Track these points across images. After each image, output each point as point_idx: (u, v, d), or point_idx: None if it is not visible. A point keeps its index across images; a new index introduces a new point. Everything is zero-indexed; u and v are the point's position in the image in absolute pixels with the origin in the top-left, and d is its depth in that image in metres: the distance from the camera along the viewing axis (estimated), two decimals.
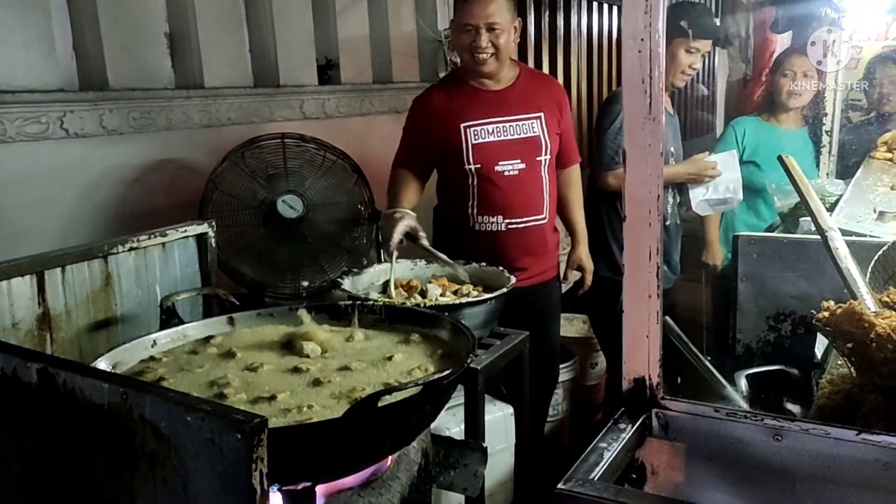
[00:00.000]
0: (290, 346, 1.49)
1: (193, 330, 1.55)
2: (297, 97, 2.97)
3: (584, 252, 2.65)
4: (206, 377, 1.35)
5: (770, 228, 2.76)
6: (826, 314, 1.34)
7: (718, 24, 5.28)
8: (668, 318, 1.54)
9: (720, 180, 2.80)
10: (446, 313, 1.61)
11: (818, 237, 1.53)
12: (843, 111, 3.18)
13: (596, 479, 1.07)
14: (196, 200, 2.35)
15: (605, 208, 2.81)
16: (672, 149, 2.87)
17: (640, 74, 1.14)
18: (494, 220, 2.39)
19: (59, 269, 1.63)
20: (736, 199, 2.83)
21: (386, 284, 2.13)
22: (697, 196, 2.81)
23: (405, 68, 3.53)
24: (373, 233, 2.58)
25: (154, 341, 1.48)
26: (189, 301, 1.85)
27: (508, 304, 2.01)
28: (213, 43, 2.64)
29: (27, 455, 1.08)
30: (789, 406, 1.62)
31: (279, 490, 1.19)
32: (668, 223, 2.82)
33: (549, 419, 2.94)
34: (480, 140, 2.35)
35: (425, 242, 2.10)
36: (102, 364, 1.33)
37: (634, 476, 1.23)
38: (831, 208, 2.34)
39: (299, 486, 1.20)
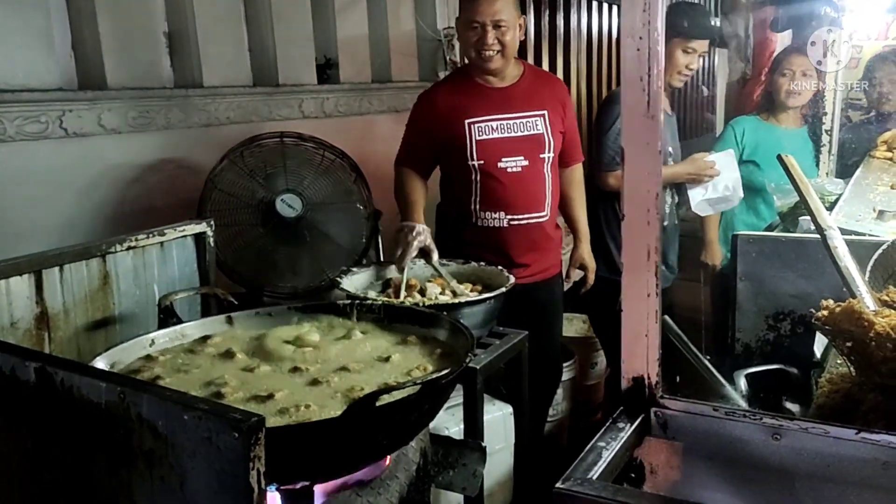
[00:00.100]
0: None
1: (192, 329, 1.55)
2: (297, 96, 2.97)
3: (586, 250, 2.67)
4: (203, 376, 1.34)
5: (770, 228, 2.76)
6: (825, 313, 1.33)
7: (718, 23, 5.29)
8: (667, 317, 1.54)
9: (719, 180, 2.80)
10: (445, 313, 1.61)
11: (818, 236, 1.53)
12: (842, 110, 3.18)
13: (594, 478, 1.07)
14: (195, 200, 2.35)
15: (603, 208, 2.81)
16: (670, 149, 2.87)
17: (638, 72, 1.14)
18: (497, 215, 2.41)
19: (57, 269, 1.63)
20: (736, 197, 2.82)
21: (384, 284, 2.13)
22: (697, 196, 2.81)
23: (404, 68, 3.53)
24: (372, 232, 2.58)
25: (152, 340, 1.48)
26: (187, 300, 1.85)
27: (511, 300, 2.02)
28: (212, 42, 2.64)
29: (25, 454, 1.08)
30: (789, 405, 1.62)
31: (277, 489, 1.19)
32: (666, 223, 2.82)
33: (548, 419, 2.94)
34: (485, 136, 2.37)
35: (436, 261, 2.10)
36: (100, 363, 1.33)
37: (633, 475, 1.23)
38: (831, 207, 2.33)
39: (298, 486, 1.20)
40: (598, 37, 5.17)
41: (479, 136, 2.36)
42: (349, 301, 1.67)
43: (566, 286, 2.77)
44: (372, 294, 2.01)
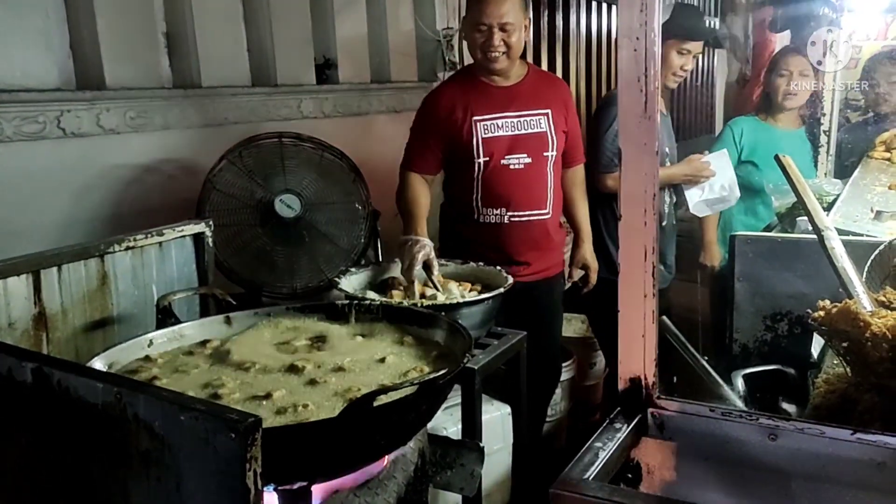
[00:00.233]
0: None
1: (190, 329, 1.55)
2: (295, 96, 2.97)
3: (588, 250, 2.69)
4: (200, 378, 1.34)
5: (768, 228, 2.76)
6: (822, 313, 1.34)
7: (718, 24, 5.30)
8: (664, 317, 1.54)
9: (715, 180, 2.81)
10: (443, 313, 1.61)
11: (815, 237, 1.53)
12: (841, 111, 3.18)
13: (591, 478, 1.07)
14: (193, 200, 2.35)
15: (602, 209, 2.82)
16: (667, 149, 2.87)
17: (635, 73, 1.14)
18: (498, 212, 2.43)
19: (55, 269, 1.63)
20: (733, 197, 2.83)
21: (384, 284, 2.13)
22: (694, 197, 2.82)
23: (403, 68, 3.53)
24: (370, 232, 2.58)
25: (150, 341, 1.48)
26: (186, 300, 1.85)
27: (511, 299, 2.03)
28: (210, 42, 2.64)
29: (22, 455, 1.08)
30: (785, 405, 1.62)
31: (275, 490, 1.19)
32: (664, 223, 2.83)
33: (547, 419, 2.94)
34: (490, 134, 2.41)
35: (436, 275, 2.11)
36: (98, 364, 1.33)
37: (630, 476, 1.23)
38: (829, 208, 2.34)
39: (295, 486, 1.20)
40: (598, 37, 5.17)
41: (484, 133, 2.40)
42: (347, 301, 1.67)
43: (566, 285, 2.78)
44: (371, 294, 2.01)
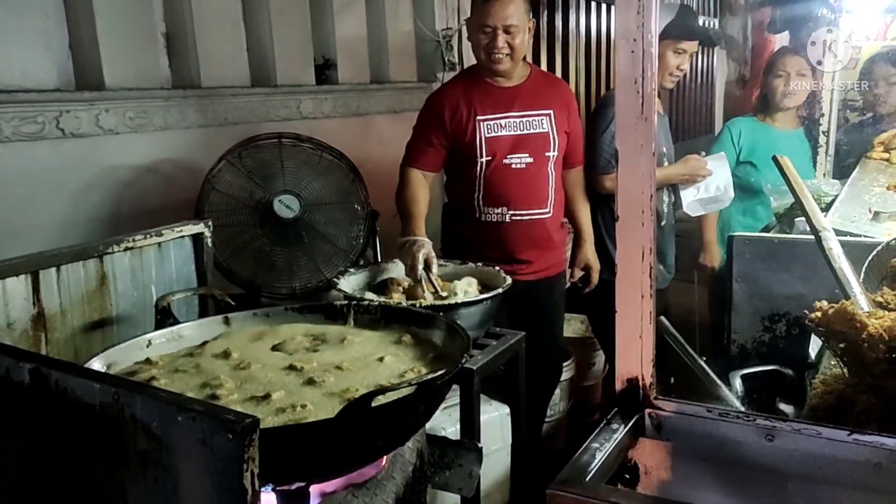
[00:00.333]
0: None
1: (189, 330, 1.55)
2: (295, 97, 2.97)
3: (590, 250, 2.71)
4: (199, 378, 1.34)
5: (766, 229, 2.76)
6: (818, 314, 1.34)
7: (717, 24, 5.30)
8: (662, 318, 1.54)
9: (710, 180, 2.82)
10: (441, 313, 1.61)
11: (813, 237, 1.53)
12: (839, 111, 3.18)
13: (588, 479, 1.08)
14: (192, 200, 2.35)
15: (601, 210, 2.82)
16: (664, 150, 2.87)
17: (632, 74, 1.15)
18: (499, 211, 2.46)
19: (54, 269, 1.63)
20: (727, 198, 2.83)
21: (382, 283, 2.13)
22: (688, 196, 2.83)
23: (403, 68, 3.53)
24: (369, 233, 2.58)
25: (149, 341, 1.48)
26: (185, 301, 1.85)
27: (512, 298, 2.03)
28: (210, 42, 2.64)
29: (20, 455, 1.08)
30: (783, 406, 1.62)
31: (273, 490, 1.19)
32: (662, 223, 2.84)
33: (546, 419, 2.94)
34: (493, 134, 2.43)
35: (434, 274, 2.12)
36: (96, 364, 1.33)
37: (627, 476, 1.23)
38: (827, 208, 2.34)
39: (293, 486, 1.20)
40: (597, 37, 5.17)
41: (487, 133, 2.42)
42: (346, 302, 1.67)
43: (567, 285, 2.78)
44: (369, 295, 2.01)
